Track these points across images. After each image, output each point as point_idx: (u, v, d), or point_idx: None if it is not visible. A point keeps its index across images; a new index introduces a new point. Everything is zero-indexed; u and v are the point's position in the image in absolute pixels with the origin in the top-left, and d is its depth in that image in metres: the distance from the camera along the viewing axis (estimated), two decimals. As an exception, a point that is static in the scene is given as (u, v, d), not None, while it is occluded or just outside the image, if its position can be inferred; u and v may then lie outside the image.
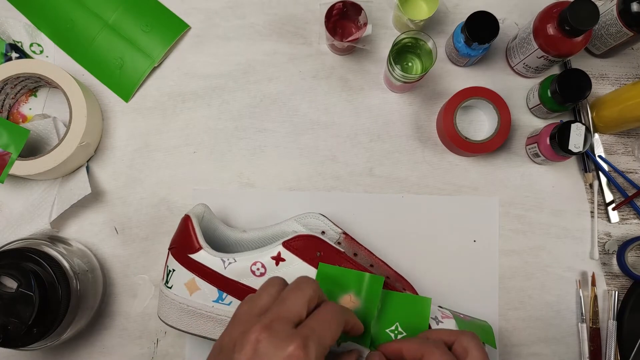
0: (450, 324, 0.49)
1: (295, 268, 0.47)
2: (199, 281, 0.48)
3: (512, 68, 0.62)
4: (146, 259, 0.59)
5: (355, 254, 0.52)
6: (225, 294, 0.47)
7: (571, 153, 0.53)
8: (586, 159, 0.60)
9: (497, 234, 0.59)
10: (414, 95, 0.62)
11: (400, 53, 0.58)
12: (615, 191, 0.60)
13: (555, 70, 0.62)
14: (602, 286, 0.59)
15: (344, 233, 0.53)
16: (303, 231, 0.49)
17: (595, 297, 0.58)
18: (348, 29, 0.59)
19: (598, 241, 0.60)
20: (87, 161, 0.60)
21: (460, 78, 0.62)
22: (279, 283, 0.40)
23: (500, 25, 0.54)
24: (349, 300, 0.45)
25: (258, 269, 0.47)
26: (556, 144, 0.54)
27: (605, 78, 0.62)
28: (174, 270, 0.49)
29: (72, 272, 0.51)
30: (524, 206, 0.60)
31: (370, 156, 0.60)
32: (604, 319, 0.58)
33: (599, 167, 0.60)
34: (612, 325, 0.57)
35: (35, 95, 0.61)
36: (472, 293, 0.58)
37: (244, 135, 0.61)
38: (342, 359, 0.42)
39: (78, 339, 0.57)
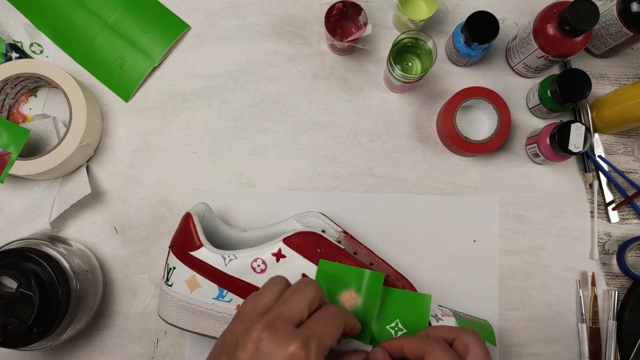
0: (450, 322, 0.49)
1: (296, 264, 0.47)
2: (200, 278, 0.48)
3: (512, 68, 0.62)
4: (146, 259, 0.59)
5: (355, 253, 0.52)
6: (225, 291, 0.48)
7: (571, 153, 0.53)
8: (586, 159, 0.60)
9: (497, 234, 0.59)
10: (414, 95, 0.62)
11: (400, 53, 0.58)
12: (615, 191, 0.61)
13: (555, 70, 0.62)
14: (602, 286, 0.59)
15: (344, 232, 0.53)
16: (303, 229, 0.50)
17: (595, 297, 0.58)
18: (348, 29, 0.59)
19: (598, 241, 0.60)
20: (87, 161, 0.60)
21: (460, 78, 0.62)
22: (282, 282, 0.40)
23: (500, 25, 0.54)
24: (349, 296, 0.45)
25: (259, 266, 0.47)
26: (556, 144, 0.54)
27: (605, 78, 0.62)
28: (174, 268, 0.49)
29: (72, 272, 0.51)
30: (524, 206, 0.60)
31: (370, 156, 0.60)
32: (604, 319, 0.59)
33: (599, 167, 0.60)
34: (612, 325, 0.57)
35: (35, 95, 0.61)
36: (472, 293, 0.58)
37: (244, 135, 0.61)
38: (348, 357, 0.42)
39: (78, 339, 0.57)
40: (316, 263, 0.47)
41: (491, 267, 0.59)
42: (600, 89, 0.62)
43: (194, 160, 0.60)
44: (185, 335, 0.57)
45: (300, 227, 0.52)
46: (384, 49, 0.62)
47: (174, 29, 0.62)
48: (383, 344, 0.43)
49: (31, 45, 0.62)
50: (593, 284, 0.59)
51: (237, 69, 0.62)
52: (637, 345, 0.57)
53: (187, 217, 0.50)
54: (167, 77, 0.62)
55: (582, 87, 0.54)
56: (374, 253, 0.53)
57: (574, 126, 0.53)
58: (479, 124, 0.61)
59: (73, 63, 0.62)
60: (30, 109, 0.61)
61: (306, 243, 0.47)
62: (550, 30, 0.53)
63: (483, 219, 0.60)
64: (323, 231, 0.53)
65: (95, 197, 0.59)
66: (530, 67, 0.59)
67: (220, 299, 0.48)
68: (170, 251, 0.50)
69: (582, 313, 0.58)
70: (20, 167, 0.54)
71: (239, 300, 0.47)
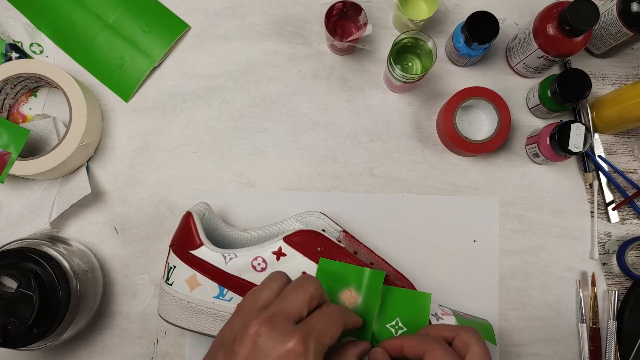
0: (450, 321, 0.49)
1: (296, 263, 0.47)
2: (200, 277, 0.48)
3: (512, 68, 0.62)
4: (146, 258, 0.59)
5: (355, 252, 0.52)
6: (226, 290, 0.48)
7: (571, 153, 0.53)
8: (586, 159, 0.60)
9: (497, 234, 0.59)
10: (414, 95, 0.62)
11: (400, 53, 0.58)
12: (615, 191, 0.61)
13: (555, 70, 0.62)
14: (602, 286, 0.59)
15: (344, 231, 0.53)
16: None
17: (595, 297, 0.58)
18: (348, 29, 0.59)
19: (598, 241, 0.60)
20: (87, 161, 0.60)
21: (460, 78, 0.62)
22: (282, 278, 0.40)
23: (500, 25, 0.54)
24: (349, 295, 0.45)
25: (259, 264, 0.47)
26: (556, 144, 0.54)
27: (605, 78, 0.62)
28: (174, 267, 0.49)
29: (72, 272, 0.51)
30: (524, 206, 0.60)
31: (370, 156, 0.60)
32: (604, 319, 0.58)
33: (599, 167, 0.60)
34: (612, 325, 0.57)
35: (35, 95, 0.61)
36: (472, 293, 0.58)
37: (244, 135, 0.61)
38: (348, 348, 0.42)
39: (78, 339, 0.57)
40: (316, 261, 0.47)
41: (491, 267, 0.59)
42: (600, 89, 0.62)
43: (194, 160, 0.60)
44: (185, 335, 0.57)
45: (300, 227, 0.52)
46: (384, 49, 0.62)
47: (174, 29, 0.62)
48: (383, 343, 0.43)
49: (31, 45, 0.62)
50: (593, 284, 0.59)
51: (237, 69, 0.62)
52: (637, 345, 0.57)
53: (188, 216, 0.50)
54: (167, 77, 0.62)
55: (582, 87, 0.54)
56: (374, 252, 0.53)
57: (574, 126, 0.53)
58: (479, 124, 0.61)
59: (73, 63, 0.62)
60: (30, 109, 0.61)
61: (306, 241, 0.47)
62: (550, 30, 0.53)
63: (483, 219, 0.60)
64: (323, 230, 0.53)
65: (95, 197, 0.59)
66: (530, 67, 0.59)
67: (221, 297, 0.48)
68: (171, 250, 0.50)
69: (582, 313, 0.58)
70: (20, 167, 0.54)
71: (239, 299, 0.47)
